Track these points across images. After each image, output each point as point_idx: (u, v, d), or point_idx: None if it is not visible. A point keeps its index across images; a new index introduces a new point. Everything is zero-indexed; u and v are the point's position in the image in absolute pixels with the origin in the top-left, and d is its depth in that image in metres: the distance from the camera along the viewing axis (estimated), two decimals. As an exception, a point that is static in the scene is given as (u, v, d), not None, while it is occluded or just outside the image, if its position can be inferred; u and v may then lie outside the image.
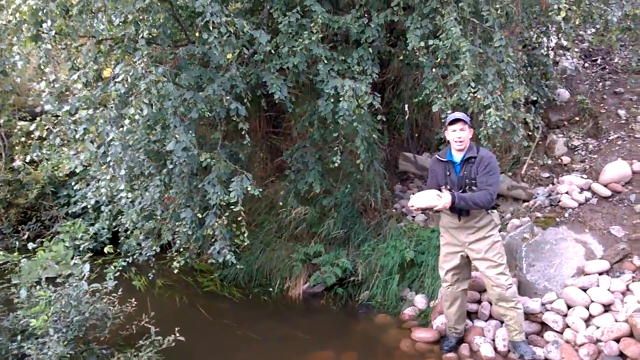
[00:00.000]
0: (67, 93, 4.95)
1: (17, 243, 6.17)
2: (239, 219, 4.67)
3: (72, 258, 4.70)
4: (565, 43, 6.49)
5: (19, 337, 4.11)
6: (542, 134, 6.21)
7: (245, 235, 4.72)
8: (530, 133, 5.45)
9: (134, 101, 4.21)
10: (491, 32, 4.74)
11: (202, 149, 5.03)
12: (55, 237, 5.50)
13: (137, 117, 4.16)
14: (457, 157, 4.21)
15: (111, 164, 4.82)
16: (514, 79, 4.70)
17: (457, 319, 4.61)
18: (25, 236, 6.59)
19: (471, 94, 4.56)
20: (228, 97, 4.49)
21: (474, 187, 4.14)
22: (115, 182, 5.01)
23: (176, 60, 4.77)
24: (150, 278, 5.81)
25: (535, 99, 5.76)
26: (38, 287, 4.30)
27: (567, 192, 5.37)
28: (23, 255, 4.67)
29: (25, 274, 4.54)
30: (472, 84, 4.53)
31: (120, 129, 4.34)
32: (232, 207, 4.59)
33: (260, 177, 6.48)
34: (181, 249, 5.37)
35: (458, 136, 4.14)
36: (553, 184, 5.68)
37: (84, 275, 4.46)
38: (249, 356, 4.74)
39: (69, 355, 4.03)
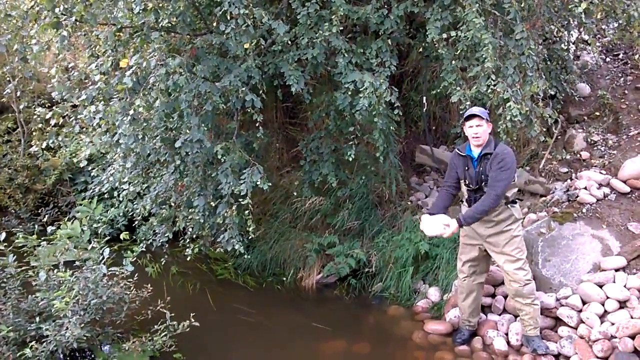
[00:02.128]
0: (86, 81, 4.99)
1: (35, 227, 6.25)
2: (246, 211, 4.67)
3: (89, 241, 4.75)
4: (586, 37, 6.42)
5: (37, 319, 4.19)
6: (561, 128, 6.15)
7: (252, 229, 4.73)
8: (548, 128, 5.39)
9: (141, 93, 4.23)
10: (512, 24, 4.69)
11: (219, 138, 5.05)
12: (73, 219, 5.58)
13: (141, 109, 4.18)
14: (475, 152, 4.19)
15: (121, 154, 4.87)
16: (533, 73, 4.65)
17: (472, 312, 4.60)
18: (45, 219, 6.67)
19: (491, 87, 4.52)
20: (244, 89, 4.49)
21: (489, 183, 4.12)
22: (123, 174, 5.07)
23: (194, 50, 4.79)
24: (163, 264, 5.86)
25: (553, 93, 5.69)
26: (56, 270, 4.37)
27: (585, 188, 5.32)
28: (42, 239, 4.74)
29: (43, 257, 4.62)
30: (492, 77, 4.49)
31: (129, 120, 4.35)
32: (241, 199, 4.60)
33: (276, 167, 6.49)
34: (194, 237, 5.41)
35: (475, 132, 4.10)
36: (571, 179, 5.63)
37: (103, 258, 4.52)
38: (261, 344, 4.78)
39: (85, 338, 4.11)
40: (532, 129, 4.78)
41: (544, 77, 4.98)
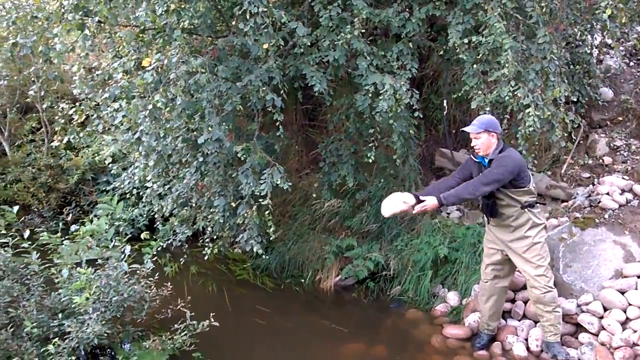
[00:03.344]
0: (109, 81, 5.06)
1: (59, 225, 6.34)
2: (266, 212, 4.70)
3: (111, 239, 4.82)
4: (609, 41, 6.35)
5: (59, 316, 4.25)
6: (583, 133, 6.08)
7: (272, 229, 4.76)
8: (570, 133, 5.34)
9: (161, 89, 4.28)
10: (535, 28, 4.67)
11: (239, 139, 5.09)
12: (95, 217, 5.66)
13: (159, 104, 4.22)
14: (487, 159, 4.19)
15: (142, 153, 4.93)
16: (556, 77, 4.62)
17: (492, 315, 4.57)
18: (68, 217, 6.76)
19: (511, 92, 4.50)
20: (265, 89, 4.52)
21: (501, 189, 4.08)
22: (146, 172, 5.13)
23: (215, 51, 4.83)
24: (182, 264, 5.91)
25: (575, 99, 5.63)
26: (79, 268, 4.43)
27: (607, 193, 5.26)
28: (65, 237, 4.81)
29: (66, 255, 4.68)
30: (513, 82, 4.47)
31: (150, 117, 4.40)
32: (261, 200, 4.63)
33: (295, 169, 6.52)
34: (214, 237, 5.45)
35: (473, 144, 4.18)
36: (593, 184, 5.58)
37: (124, 256, 4.58)
38: (279, 345, 4.79)
39: (106, 334, 4.16)
40: (553, 134, 4.75)
41: (566, 81, 4.94)
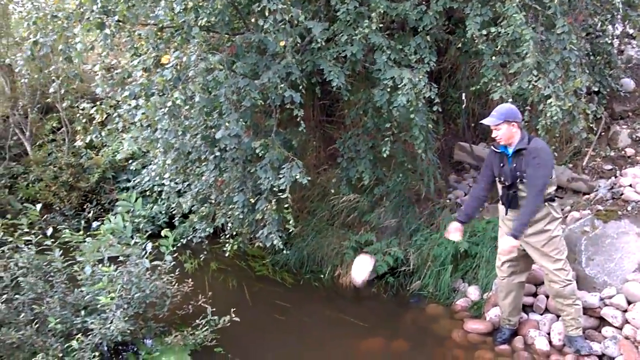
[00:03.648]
0: (129, 79, 5.10)
1: (81, 223, 6.43)
2: (286, 206, 4.72)
3: (131, 236, 4.87)
4: (631, 31, 6.24)
5: (82, 312, 4.31)
6: (605, 124, 6.00)
7: (291, 222, 4.77)
8: (591, 124, 5.26)
9: (180, 86, 4.31)
10: (554, 18, 4.61)
11: (257, 135, 5.10)
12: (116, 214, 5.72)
13: (179, 102, 4.25)
14: (510, 148, 4.14)
15: (161, 150, 4.97)
16: (576, 68, 4.56)
17: (512, 311, 4.54)
18: (90, 214, 6.84)
19: (532, 83, 4.45)
20: (283, 85, 4.53)
21: (524, 180, 4.05)
22: (163, 169, 5.16)
23: (233, 48, 4.85)
24: (202, 260, 5.94)
25: (597, 89, 5.55)
26: (100, 265, 4.48)
27: (630, 185, 5.18)
28: (87, 234, 4.87)
29: (88, 253, 4.74)
30: (534, 72, 4.42)
31: (169, 114, 4.43)
32: (280, 194, 4.65)
33: (313, 165, 6.52)
34: (234, 233, 5.48)
35: (494, 135, 4.13)
36: (616, 176, 5.49)
37: (145, 253, 4.62)
38: (299, 339, 4.81)
39: (129, 331, 4.21)
40: (575, 125, 4.69)
41: (587, 72, 4.87)
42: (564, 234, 4.75)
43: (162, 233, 5.64)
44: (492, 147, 4.32)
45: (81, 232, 4.93)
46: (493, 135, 4.13)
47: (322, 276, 5.96)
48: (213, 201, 5.43)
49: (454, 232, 4.40)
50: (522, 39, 4.34)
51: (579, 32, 4.84)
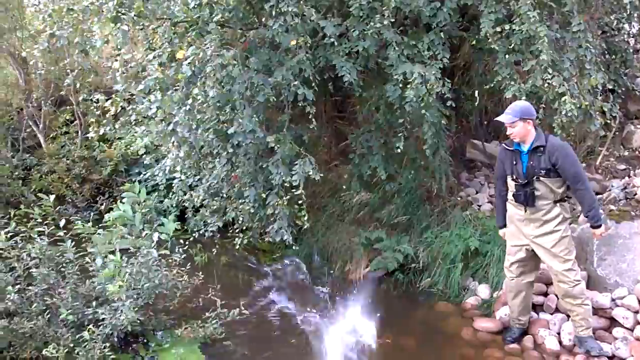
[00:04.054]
0: (144, 73, 5.13)
1: (91, 215, 6.48)
2: (300, 201, 4.73)
3: (142, 229, 4.90)
4: (647, 30, 6.20)
5: (94, 303, 4.34)
6: (619, 124, 5.95)
7: (305, 218, 4.79)
8: (607, 122, 5.22)
9: (198, 82, 4.33)
10: (569, 16, 4.57)
11: (269, 131, 5.12)
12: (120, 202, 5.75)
13: (199, 98, 4.28)
14: (525, 146, 4.11)
15: (175, 144, 4.99)
16: (591, 66, 4.52)
17: (521, 311, 4.52)
18: (102, 206, 6.89)
19: (546, 81, 4.41)
20: (296, 82, 4.53)
21: (542, 177, 4.03)
22: (176, 162, 5.19)
23: (246, 44, 4.86)
24: (213, 254, 5.96)
25: (612, 87, 5.51)
26: (111, 256, 4.51)
27: (643, 186, 5.15)
28: (99, 226, 4.90)
29: (100, 244, 4.78)
30: (549, 70, 4.39)
31: (185, 109, 4.46)
32: (294, 190, 4.66)
33: (324, 161, 6.51)
34: (244, 228, 5.50)
35: (509, 133, 4.12)
36: (629, 176, 5.46)
37: (154, 244, 4.65)
38: (308, 335, 4.81)
39: (139, 321, 4.24)
40: (591, 124, 4.66)
41: (602, 69, 4.83)
42: (575, 233, 4.73)
43: (161, 220, 5.64)
44: (503, 144, 4.30)
45: (91, 224, 4.95)
46: (508, 133, 4.10)
47: (331, 272, 5.96)
48: (224, 195, 5.46)
49: (505, 238, 4.50)
50: (537, 37, 4.31)
51: (594, 31, 4.81)
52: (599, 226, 4.08)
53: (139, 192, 6.48)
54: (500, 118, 4.12)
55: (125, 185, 6.65)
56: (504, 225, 4.47)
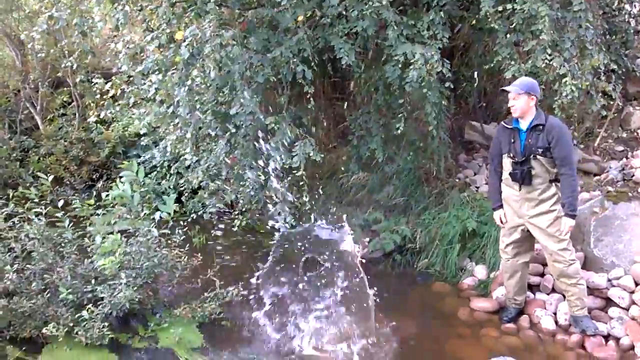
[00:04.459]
0: (142, 55, 5.10)
1: (92, 196, 6.46)
2: (301, 183, 4.73)
3: (141, 209, 4.89)
4: (648, 11, 6.15)
5: (92, 282, 4.36)
6: (618, 106, 5.94)
7: (307, 199, 4.79)
8: (609, 102, 5.20)
9: (198, 64, 4.30)
10: (570, -4, 4.54)
11: (268, 112, 5.10)
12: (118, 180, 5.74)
13: (198, 79, 4.26)
14: (524, 124, 4.13)
15: (179, 125, 4.97)
16: (593, 46, 4.50)
17: (517, 291, 4.55)
18: (100, 185, 6.89)
19: (546, 62, 4.40)
20: (295, 60, 4.51)
21: (538, 156, 4.04)
22: (182, 143, 5.17)
23: (245, 24, 4.82)
24: (211, 235, 5.97)
25: (614, 67, 5.48)
26: (111, 236, 4.51)
27: (641, 167, 5.16)
28: (96, 205, 4.89)
29: (99, 224, 4.78)
30: (549, 51, 4.37)
31: (185, 89, 4.44)
32: (295, 171, 4.66)
33: (323, 143, 6.51)
34: (244, 209, 5.50)
35: (510, 105, 4.15)
36: (627, 158, 5.47)
37: (154, 223, 4.65)
38: (306, 315, 4.82)
39: (137, 300, 4.26)
40: (592, 104, 4.65)
41: (604, 50, 4.81)
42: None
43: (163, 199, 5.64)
44: (502, 123, 4.31)
45: (92, 202, 4.93)
46: (510, 105, 4.13)
47: (329, 253, 5.97)
48: (223, 177, 5.45)
49: (499, 220, 4.46)
50: (538, 16, 4.28)
51: (595, 11, 4.77)
52: (573, 217, 4.06)
53: (137, 171, 6.47)
54: (507, 88, 4.15)
55: (124, 164, 6.64)
56: (500, 207, 4.44)
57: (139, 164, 6.99)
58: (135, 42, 5.13)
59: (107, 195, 5.02)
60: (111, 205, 4.94)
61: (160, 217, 4.77)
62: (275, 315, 4.81)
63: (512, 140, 4.17)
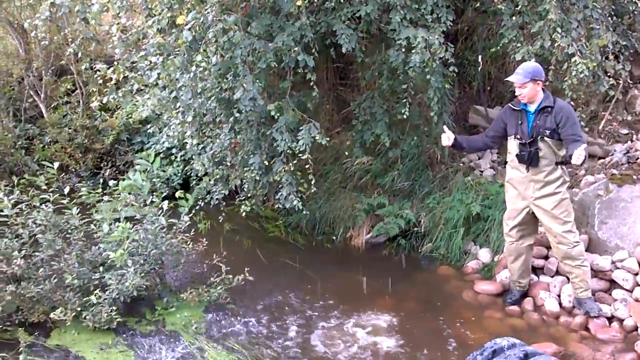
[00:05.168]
0: (144, 40, 5.09)
1: (98, 184, 6.49)
2: (306, 166, 4.75)
3: (150, 195, 4.91)
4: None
5: (100, 269, 4.40)
6: (622, 88, 5.91)
7: (313, 182, 4.82)
8: (617, 83, 5.15)
9: (201, 49, 4.30)
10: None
11: (270, 98, 5.10)
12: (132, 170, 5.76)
13: (203, 64, 4.25)
14: (532, 106, 4.12)
15: (180, 109, 4.98)
16: (600, 26, 4.47)
17: (521, 274, 4.57)
18: (107, 173, 6.92)
19: (555, 42, 4.37)
20: (297, 48, 4.50)
21: (546, 137, 4.04)
22: (184, 128, 5.18)
23: (247, 9, 4.81)
24: (220, 221, 6.00)
25: (625, 44, 5.42)
26: (118, 223, 4.55)
27: (646, 150, 5.15)
28: (103, 192, 4.92)
29: (105, 211, 4.81)
30: (558, 30, 4.34)
31: (189, 76, 4.44)
32: (300, 155, 4.67)
33: (327, 128, 6.49)
34: (249, 195, 5.52)
35: (517, 93, 4.13)
36: (632, 140, 5.45)
37: (162, 211, 4.69)
38: (311, 299, 4.86)
39: (144, 287, 4.31)
40: (600, 84, 4.63)
41: (611, 29, 4.78)
42: (577, 197, 4.75)
43: (177, 194, 5.68)
44: (509, 104, 4.30)
45: (99, 190, 4.96)
46: (517, 94, 4.11)
47: (334, 238, 6.01)
48: (228, 163, 5.46)
49: (445, 137, 4.41)
50: (544, -4, 4.26)
51: (601, -9, 4.73)
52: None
53: (154, 160, 6.51)
54: (510, 78, 4.12)
55: (141, 153, 6.66)
56: (456, 141, 4.39)
57: (142, 150, 7.01)
58: (137, 28, 5.12)
59: (116, 185, 5.04)
60: (118, 193, 4.95)
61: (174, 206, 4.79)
62: (280, 297, 4.87)
63: (520, 122, 4.16)
